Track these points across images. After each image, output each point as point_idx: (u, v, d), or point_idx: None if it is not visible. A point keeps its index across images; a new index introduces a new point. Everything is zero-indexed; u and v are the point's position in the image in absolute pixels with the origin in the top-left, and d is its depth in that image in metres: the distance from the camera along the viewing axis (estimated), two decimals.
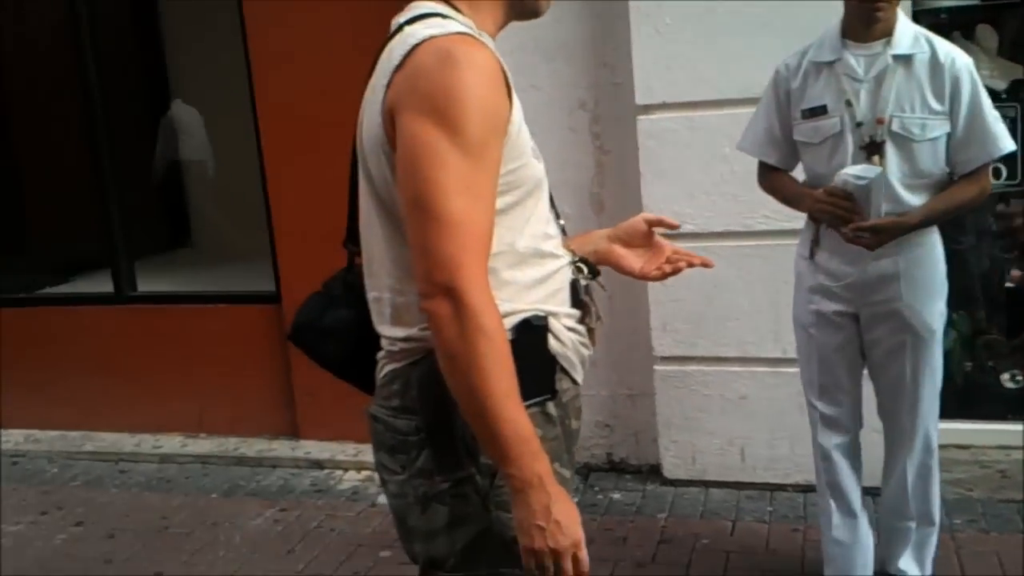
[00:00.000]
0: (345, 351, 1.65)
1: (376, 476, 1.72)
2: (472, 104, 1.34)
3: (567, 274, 1.57)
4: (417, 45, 1.39)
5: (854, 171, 2.46)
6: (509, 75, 1.42)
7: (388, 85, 1.41)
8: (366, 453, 4.26)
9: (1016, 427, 3.74)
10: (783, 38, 3.09)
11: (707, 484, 3.71)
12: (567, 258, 1.59)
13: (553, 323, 1.50)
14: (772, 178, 2.78)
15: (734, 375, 3.60)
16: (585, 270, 1.62)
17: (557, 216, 1.61)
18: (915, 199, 2.52)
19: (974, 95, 2.48)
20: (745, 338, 3.55)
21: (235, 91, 4.48)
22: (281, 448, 4.48)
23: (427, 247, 1.34)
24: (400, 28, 1.47)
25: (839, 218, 2.47)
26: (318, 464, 4.31)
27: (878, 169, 2.46)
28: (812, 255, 2.67)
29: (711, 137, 3.35)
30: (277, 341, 4.40)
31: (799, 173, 2.73)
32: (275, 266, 4.38)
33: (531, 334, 1.47)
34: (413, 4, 1.53)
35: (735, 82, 3.24)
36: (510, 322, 1.43)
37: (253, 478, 4.27)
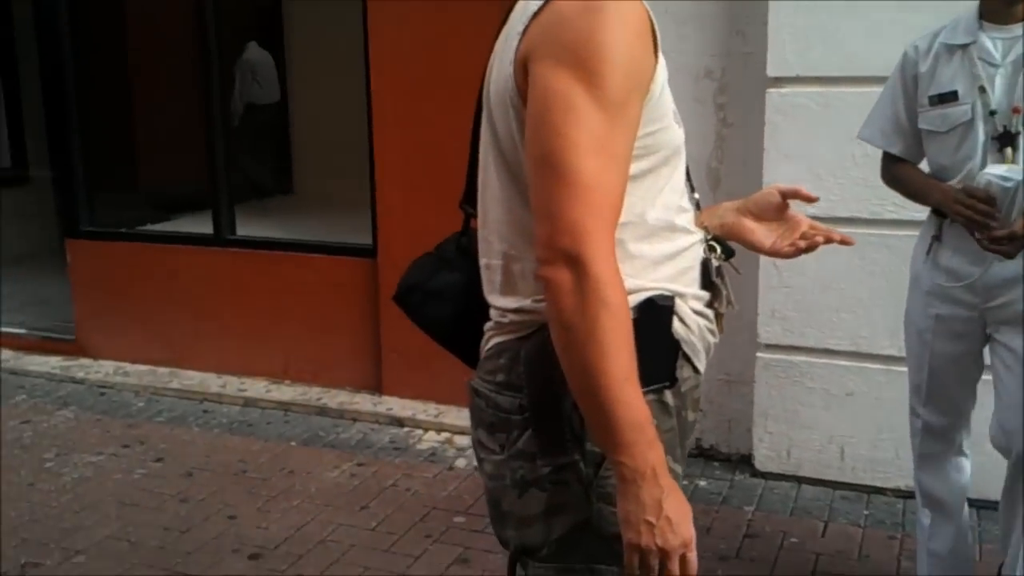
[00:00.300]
0: (452, 315, 1.55)
1: (455, 440, 1.61)
2: (616, 56, 1.22)
3: (699, 252, 1.44)
4: None
5: (998, 171, 2.25)
6: (658, 30, 1.29)
7: (523, 33, 1.29)
8: (447, 415, 4.30)
9: None
10: (932, 13, 2.88)
11: (800, 480, 3.55)
12: (700, 235, 1.45)
13: (680, 304, 1.38)
14: (896, 169, 2.57)
15: (842, 369, 3.42)
16: (719, 249, 1.48)
17: (692, 189, 1.48)
18: None
19: None
20: (859, 332, 3.36)
21: (349, 38, 4.43)
22: (363, 402, 4.44)
23: (552, 209, 1.22)
24: None
25: (977, 223, 2.26)
26: (399, 421, 4.25)
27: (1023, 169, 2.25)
28: (931, 252, 2.46)
29: (845, 116, 3.15)
30: (369, 295, 4.36)
31: (923, 166, 2.53)
32: (374, 220, 4.33)
33: (655, 314, 1.35)
34: None
35: (878, 58, 3.02)
36: (634, 300, 1.31)
37: (333, 430, 4.24)
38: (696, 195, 1.50)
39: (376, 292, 4.31)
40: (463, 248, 1.57)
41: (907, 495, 3.32)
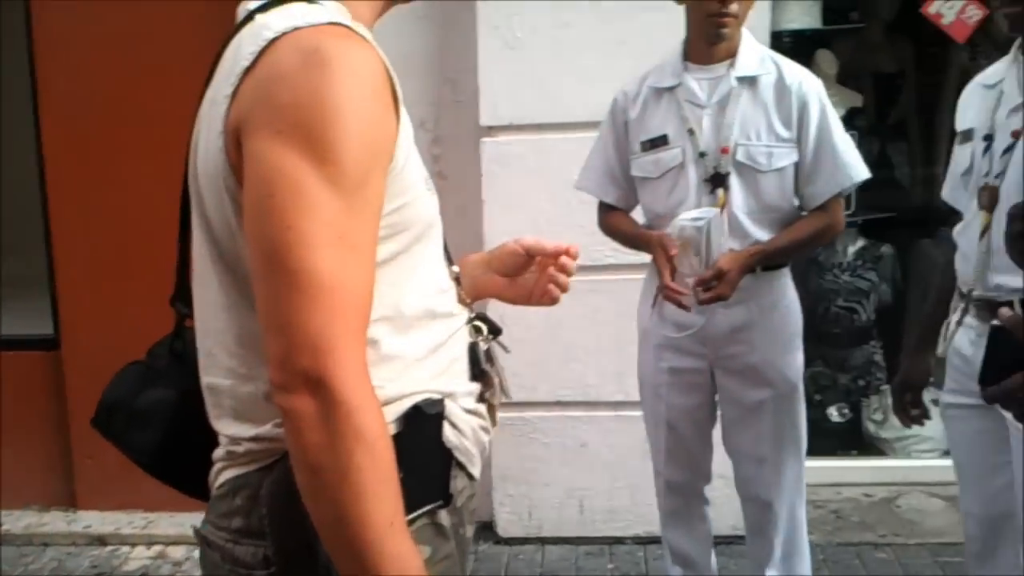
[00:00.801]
0: (161, 441, 1.27)
1: (169, 552, 1.30)
2: (350, 125, 1.01)
3: (464, 337, 1.24)
4: (274, 40, 1.04)
5: (690, 214, 2.27)
6: (397, 81, 1.08)
7: (234, 94, 1.05)
8: (157, 523, 3.69)
9: (846, 463, 3.70)
10: (642, 59, 2.90)
11: (544, 541, 3.44)
12: (464, 316, 1.25)
13: (450, 407, 1.17)
14: (610, 219, 2.55)
15: (575, 420, 3.36)
16: (485, 330, 1.29)
17: (450, 261, 1.27)
18: (763, 234, 2.34)
19: (823, 121, 2.32)
20: (588, 380, 3.32)
21: (16, 92, 3.89)
22: (55, 521, 3.77)
23: (285, 321, 0.99)
24: (250, 17, 1.10)
25: (671, 271, 2.26)
26: (100, 540, 3.65)
27: (714, 210, 2.27)
28: (656, 304, 2.43)
29: (560, 163, 3.09)
30: (53, 393, 3.74)
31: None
32: (54, 305, 3.74)
33: (423, 424, 1.14)
34: None
35: (589, 104, 3.00)
36: (396, 409, 1.11)
37: (20, 561, 3.57)
38: (455, 268, 1.28)
39: (61, 390, 3.71)
40: (177, 354, 1.29)
41: (647, 541, 3.30)
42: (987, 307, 2.02)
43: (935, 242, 3.85)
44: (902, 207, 3.99)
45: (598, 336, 3.27)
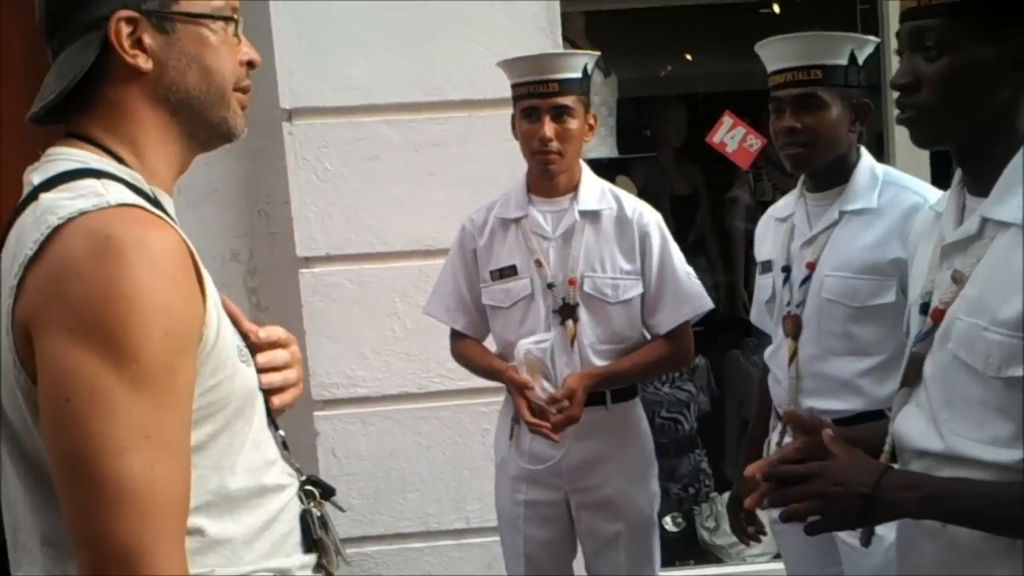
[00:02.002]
0: None
1: None
2: (149, 317, 0.97)
3: (295, 507, 1.19)
4: (60, 227, 0.99)
5: (530, 340, 2.33)
6: (197, 255, 1.06)
7: (19, 287, 1.00)
8: None
9: (685, 573, 3.71)
10: (452, 188, 3.04)
11: None
12: (294, 484, 1.20)
13: None
14: (461, 347, 2.56)
15: (416, 552, 3.25)
16: (317, 494, 1.23)
17: (275, 425, 1.22)
18: None
19: (664, 252, 2.41)
20: (426, 509, 3.23)
21: None
22: None
23: (92, 532, 0.95)
24: (34, 195, 1.05)
25: (525, 403, 2.29)
26: None
27: (551, 333, 2.34)
28: (513, 435, 2.44)
29: (379, 292, 3.12)
30: None
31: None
32: None
33: None
34: (51, 151, 1.12)
35: (402, 233, 3.08)
36: None
37: None
38: (281, 432, 1.23)
39: None
40: None
41: None
42: (801, 428, 2.14)
43: (743, 352, 4.07)
44: (709, 319, 4.18)
45: (432, 463, 3.21)
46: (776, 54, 2.13)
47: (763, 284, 2.30)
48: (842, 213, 2.12)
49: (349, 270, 3.15)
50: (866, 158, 2.16)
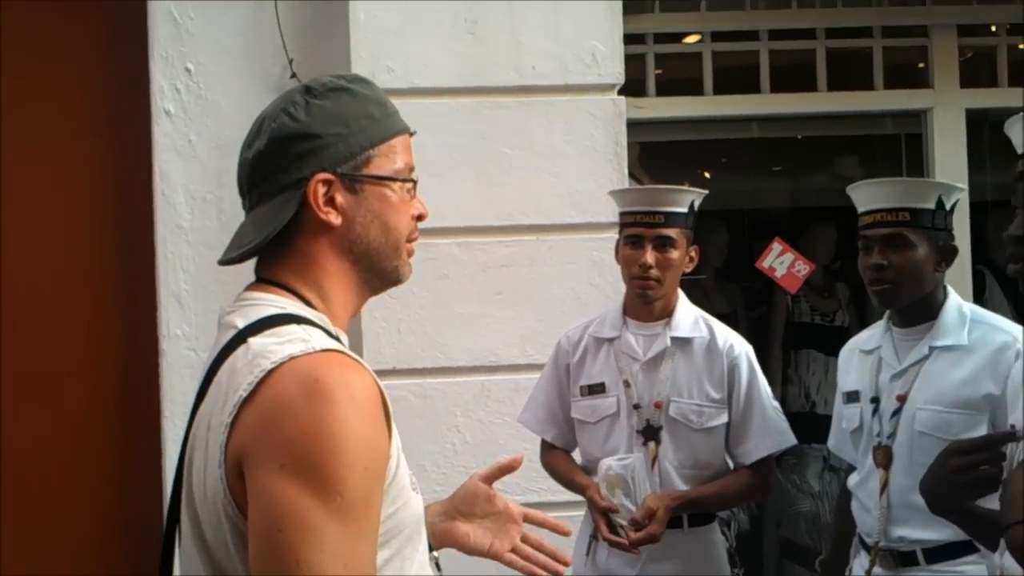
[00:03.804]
0: None
1: None
2: (352, 454, 1.07)
3: None
4: (272, 370, 1.09)
5: (613, 458, 2.39)
6: (386, 395, 1.17)
7: (232, 424, 1.09)
8: None
9: None
10: (516, 307, 3.14)
11: None
12: None
13: None
14: (549, 457, 2.63)
15: None
16: None
17: (431, 547, 1.32)
18: None
19: (752, 384, 2.48)
20: None
21: None
22: None
23: None
24: (243, 338, 1.16)
25: (606, 522, 2.36)
26: None
27: (638, 454, 2.40)
28: (590, 551, 2.48)
29: (442, 405, 3.19)
30: None
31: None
32: None
33: None
34: (248, 296, 1.24)
35: (467, 349, 3.16)
36: None
37: None
38: (436, 553, 1.33)
39: None
40: None
41: None
42: (891, 556, 2.20)
43: (783, 472, 4.13)
44: None
45: None
46: (867, 196, 2.27)
47: (849, 414, 2.37)
48: (932, 348, 2.22)
49: (414, 383, 3.22)
50: (953, 296, 2.27)
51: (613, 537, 2.34)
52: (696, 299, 4.31)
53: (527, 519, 1.54)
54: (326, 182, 1.23)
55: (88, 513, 3.22)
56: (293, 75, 3.25)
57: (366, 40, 3.15)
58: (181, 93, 3.23)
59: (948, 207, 2.23)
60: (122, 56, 3.29)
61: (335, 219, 1.24)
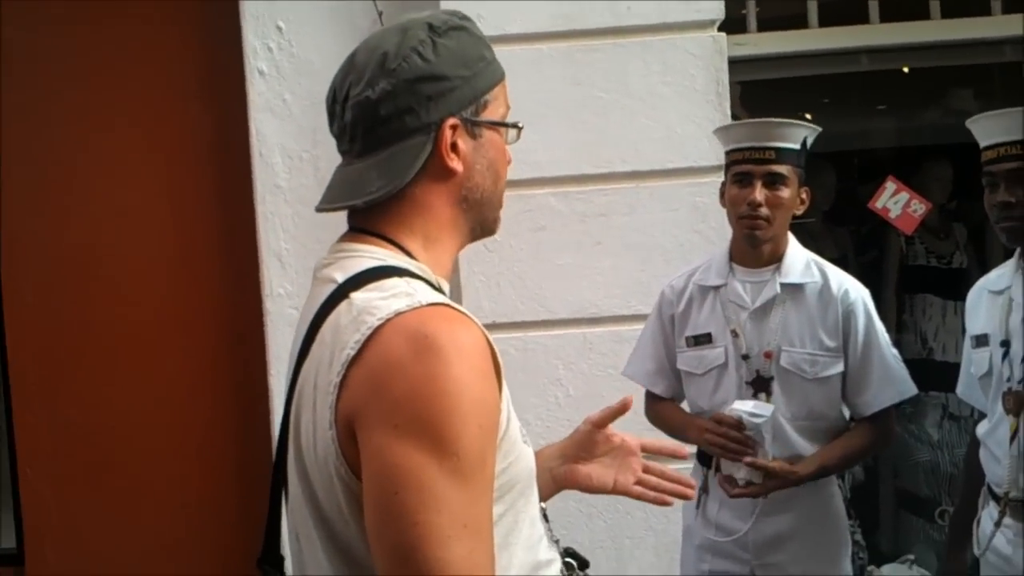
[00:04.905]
0: None
1: None
2: (466, 411, 1.05)
3: None
4: (379, 327, 1.06)
5: (747, 407, 2.25)
6: (498, 351, 1.12)
7: (341, 384, 1.06)
8: None
9: None
10: (616, 257, 3.06)
11: None
12: (557, 558, 1.27)
13: None
14: (658, 408, 2.55)
15: None
16: (576, 566, 1.31)
17: (541, 499, 1.29)
18: (807, 444, 2.32)
19: (869, 331, 2.34)
20: None
21: None
22: None
23: None
24: (344, 293, 1.12)
25: (731, 451, 2.24)
26: None
27: (771, 407, 2.26)
28: (700, 504, 2.40)
29: (544, 359, 3.14)
30: None
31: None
32: (18, 518, 3.51)
33: None
34: (345, 247, 1.19)
35: (568, 302, 3.11)
36: None
37: None
38: (543, 504, 1.29)
39: None
40: None
41: None
42: (1022, 507, 2.08)
43: (899, 421, 3.97)
44: None
45: (593, 531, 3.15)
46: (990, 129, 2.13)
47: (978, 359, 2.25)
48: None
49: (515, 337, 3.19)
50: None
51: (745, 460, 2.22)
52: (803, 244, 4.20)
53: (644, 449, 1.51)
54: (453, 127, 1.19)
55: (201, 473, 3.29)
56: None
57: None
58: (273, 52, 3.23)
59: None
60: (214, 16, 3.30)
61: (458, 165, 1.20)
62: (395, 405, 1.03)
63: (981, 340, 2.24)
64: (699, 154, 3.01)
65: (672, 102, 3.05)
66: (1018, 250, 2.19)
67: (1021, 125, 2.09)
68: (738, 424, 2.24)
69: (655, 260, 3.02)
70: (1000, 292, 2.22)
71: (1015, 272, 2.19)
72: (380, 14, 3.21)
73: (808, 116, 4.50)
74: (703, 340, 2.40)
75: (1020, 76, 3.82)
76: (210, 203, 3.30)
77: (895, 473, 4.03)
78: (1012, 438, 2.10)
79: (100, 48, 3.31)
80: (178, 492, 3.29)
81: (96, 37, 3.30)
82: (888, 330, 4.22)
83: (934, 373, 3.73)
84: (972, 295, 2.35)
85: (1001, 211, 2.10)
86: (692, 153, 3.03)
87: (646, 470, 1.49)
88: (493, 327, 3.18)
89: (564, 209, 3.09)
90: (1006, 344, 2.15)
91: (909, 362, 3.90)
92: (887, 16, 3.56)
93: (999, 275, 2.26)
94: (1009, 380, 2.13)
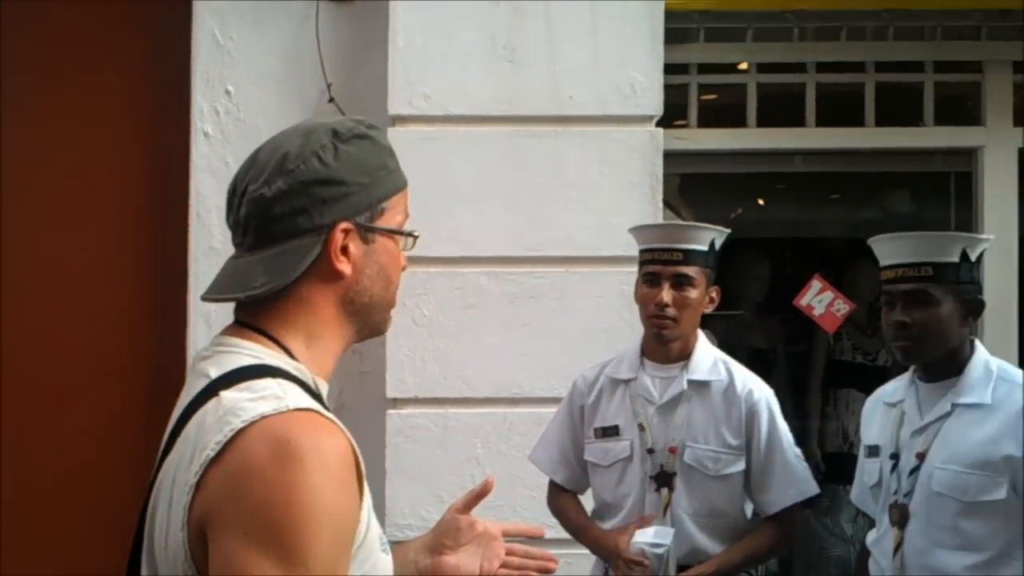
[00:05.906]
0: None
1: None
2: (320, 522, 1.04)
3: None
4: (242, 429, 1.06)
5: (647, 537, 2.29)
6: (359, 453, 1.13)
7: (198, 485, 1.06)
8: None
9: None
10: (542, 339, 3.11)
11: None
12: None
13: None
14: (559, 500, 2.57)
15: None
16: None
17: None
18: (708, 540, 2.36)
19: (772, 431, 2.39)
20: None
21: None
22: None
23: None
24: (214, 390, 1.12)
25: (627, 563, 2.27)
26: None
27: (671, 531, 2.30)
28: None
29: (462, 437, 3.16)
30: None
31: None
32: None
33: None
34: (225, 341, 1.21)
35: (490, 381, 3.13)
36: None
37: None
38: None
39: None
40: None
41: None
42: None
43: (815, 513, 4.02)
44: None
45: None
46: (888, 250, 2.21)
47: (869, 469, 2.30)
48: (955, 406, 2.14)
49: (435, 413, 3.20)
50: (980, 352, 2.19)
51: None
52: (735, 333, 4.28)
53: (506, 533, 1.52)
54: (345, 231, 1.22)
55: (108, 515, 3.25)
56: (331, 99, 3.27)
57: (404, 66, 3.14)
58: (220, 115, 3.27)
59: (973, 259, 2.15)
60: (165, 76, 3.34)
61: (347, 268, 1.22)
62: (249, 512, 1.03)
63: (873, 451, 2.30)
64: (629, 243, 3.03)
65: (607, 191, 3.12)
66: (912, 367, 2.27)
67: (916, 247, 2.17)
68: (640, 560, 2.27)
69: (580, 345, 3.06)
70: (894, 404, 2.28)
71: (909, 385, 2.26)
72: (329, 85, 3.27)
73: (748, 206, 4.63)
74: (611, 432, 2.43)
75: (948, 185, 3.97)
76: (144, 258, 3.32)
77: (808, 566, 4.07)
78: (895, 550, 2.15)
79: (51, 93, 3.33)
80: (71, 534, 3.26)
81: (49, 82, 3.33)
82: (811, 422, 4.30)
83: (852, 467, 3.77)
84: (869, 404, 2.42)
85: (897, 330, 2.16)
86: (623, 242, 3.06)
87: (509, 552, 1.50)
88: (415, 402, 3.21)
89: (494, 289, 3.13)
90: (895, 457, 2.20)
91: (830, 455, 3.97)
92: (824, 120, 3.69)
93: (895, 387, 2.33)
94: (896, 492, 2.18)
